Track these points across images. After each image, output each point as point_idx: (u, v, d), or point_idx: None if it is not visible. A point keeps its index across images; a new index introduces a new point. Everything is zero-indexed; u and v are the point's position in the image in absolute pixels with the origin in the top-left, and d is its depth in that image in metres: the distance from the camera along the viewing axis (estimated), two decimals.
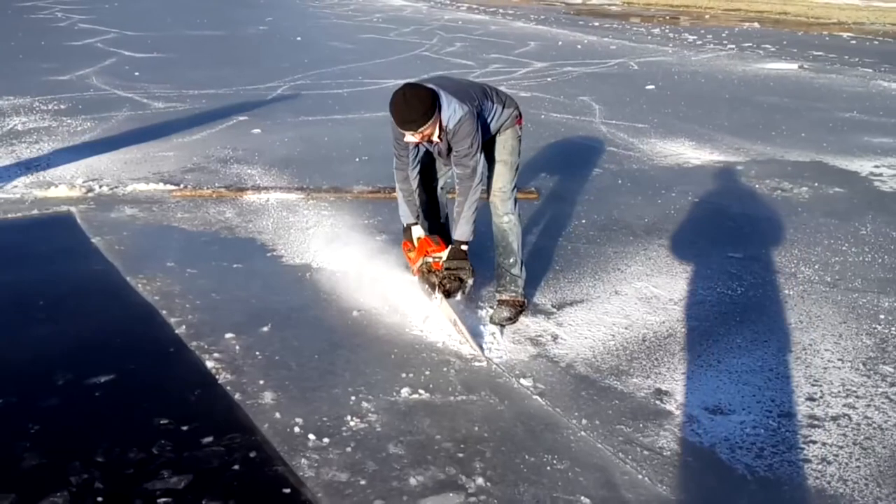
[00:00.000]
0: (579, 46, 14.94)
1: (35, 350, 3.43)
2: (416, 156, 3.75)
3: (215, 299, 3.93)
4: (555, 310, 3.91)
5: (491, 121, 3.67)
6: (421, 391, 3.15)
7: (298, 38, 15.85)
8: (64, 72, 11.03)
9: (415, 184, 3.81)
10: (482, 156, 3.59)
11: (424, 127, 3.37)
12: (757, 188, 5.96)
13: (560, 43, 15.48)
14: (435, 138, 3.50)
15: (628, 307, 3.95)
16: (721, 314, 3.89)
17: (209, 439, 2.80)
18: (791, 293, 4.13)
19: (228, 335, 3.55)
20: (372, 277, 4.17)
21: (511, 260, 3.84)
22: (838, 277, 4.34)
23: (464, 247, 3.63)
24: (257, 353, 3.41)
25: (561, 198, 5.68)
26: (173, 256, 4.43)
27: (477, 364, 3.39)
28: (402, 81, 10.62)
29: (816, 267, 4.46)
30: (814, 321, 3.82)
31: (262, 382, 3.18)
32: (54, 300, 3.91)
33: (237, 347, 3.45)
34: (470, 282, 3.69)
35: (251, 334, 3.57)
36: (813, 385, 3.27)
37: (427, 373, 3.30)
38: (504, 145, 3.78)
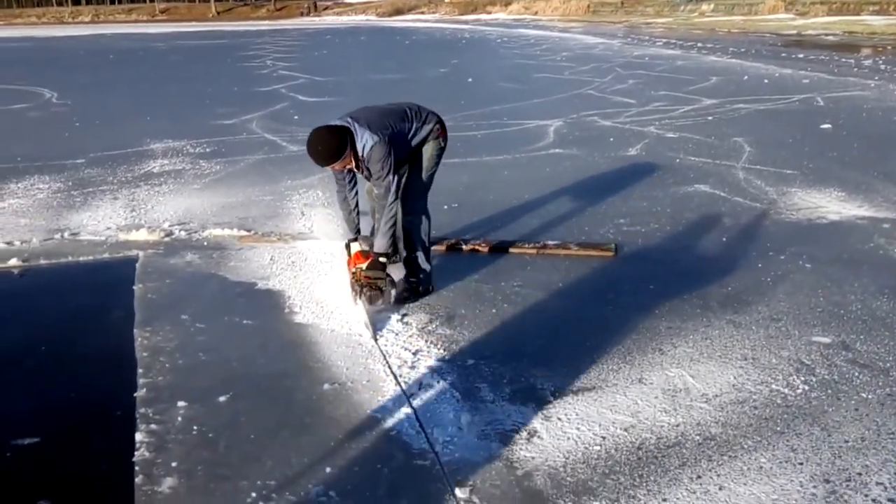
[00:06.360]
0: (766, 81, 13.62)
1: None
2: (353, 178, 4.23)
3: (199, 360, 3.74)
4: (552, 398, 3.30)
5: (411, 139, 4.15)
6: (332, 493, 2.71)
7: (470, 80, 15.88)
8: (233, 116, 11.75)
9: (353, 203, 4.29)
10: (395, 176, 3.99)
11: (337, 161, 3.91)
12: (894, 255, 4.86)
13: (746, 77, 14.23)
14: (353, 167, 4.05)
15: (644, 401, 3.25)
16: (760, 420, 3.08)
17: None
18: (868, 397, 3.20)
19: (181, 403, 3.31)
20: (370, 346, 3.81)
21: (413, 254, 4.33)
22: None
23: (382, 259, 4.06)
24: (195, 427, 3.14)
25: (642, 257, 4.97)
26: (193, 308, 4.33)
27: (419, 463, 2.89)
28: (549, 123, 10.25)
29: None
30: (881, 439, 2.91)
31: (174, 465, 2.89)
32: (52, 348, 3.93)
33: (179, 419, 3.20)
34: (393, 292, 4.23)
35: (205, 404, 3.32)
36: None
37: (356, 469, 2.85)
38: (425, 155, 4.25)
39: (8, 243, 5.52)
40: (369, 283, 4.06)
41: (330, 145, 3.85)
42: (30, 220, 6.17)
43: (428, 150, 4.25)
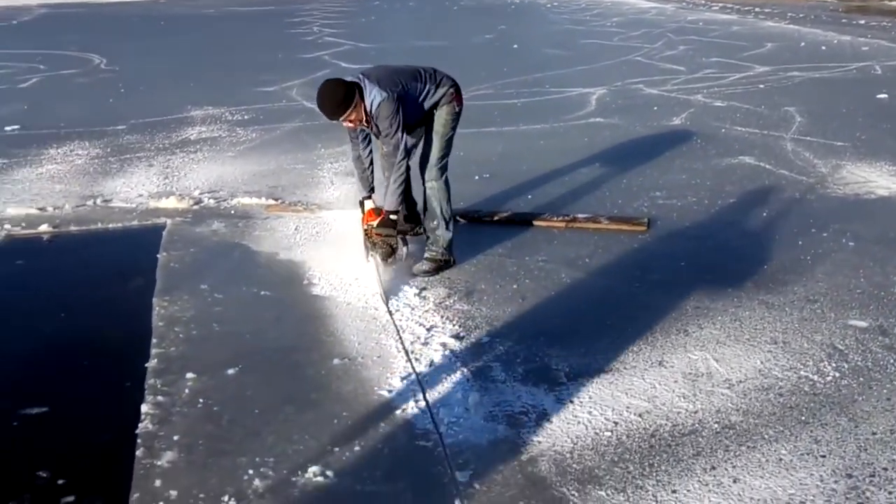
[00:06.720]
0: (823, 48, 13.06)
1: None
2: (367, 136, 4.23)
3: (213, 331, 3.71)
4: (566, 380, 3.18)
5: (423, 100, 4.10)
6: (329, 473, 2.65)
7: (515, 46, 15.57)
8: (274, 83, 11.68)
9: (367, 162, 4.29)
10: (404, 135, 4.01)
11: (345, 116, 3.89)
12: None
13: (802, 44, 13.66)
14: (363, 124, 4.02)
15: (662, 385, 3.11)
16: (784, 408, 2.92)
17: (69, 499, 2.57)
18: None
19: (190, 375, 3.29)
20: (385, 321, 3.73)
21: (434, 223, 4.28)
22: None
23: (393, 216, 4.09)
24: (201, 400, 3.11)
25: (676, 232, 4.79)
26: (214, 278, 4.30)
27: (422, 444, 2.81)
28: (592, 91, 9.93)
29: None
30: None
31: (176, 438, 2.87)
32: (70, 316, 3.97)
33: (186, 391, 3.18)
34: (404, 250, 4.25)
35: (214, 376, 3.29)
36: None
37: (356, 449, 2.78)
38: (438, 119, 4.19)
39: (41, 209, 5.57)
40: (381, 241, 4.11)
41: (336, 97, 3.85)
42: (65, 185, 6.22)
43: (441, 115, 4.19)
